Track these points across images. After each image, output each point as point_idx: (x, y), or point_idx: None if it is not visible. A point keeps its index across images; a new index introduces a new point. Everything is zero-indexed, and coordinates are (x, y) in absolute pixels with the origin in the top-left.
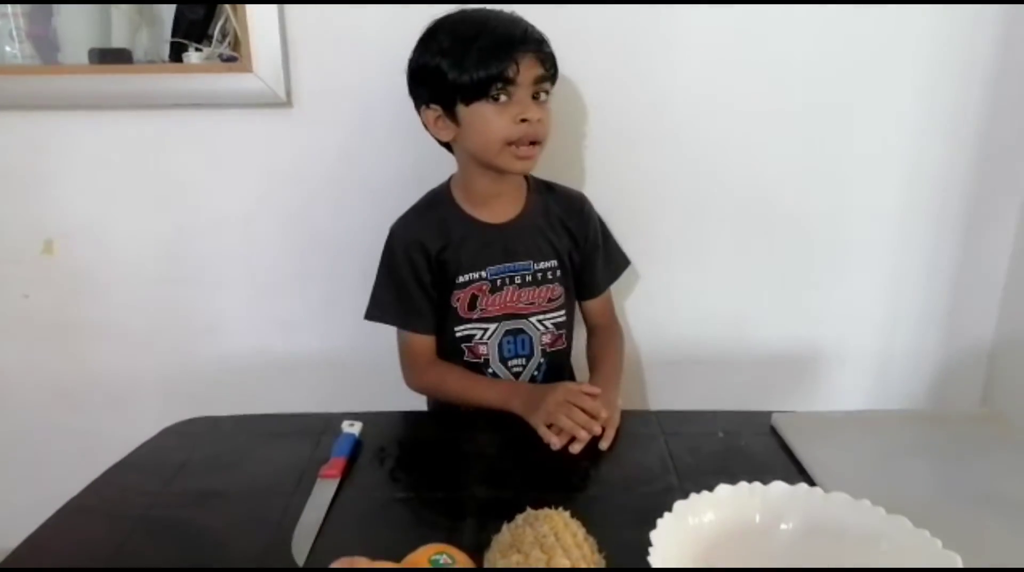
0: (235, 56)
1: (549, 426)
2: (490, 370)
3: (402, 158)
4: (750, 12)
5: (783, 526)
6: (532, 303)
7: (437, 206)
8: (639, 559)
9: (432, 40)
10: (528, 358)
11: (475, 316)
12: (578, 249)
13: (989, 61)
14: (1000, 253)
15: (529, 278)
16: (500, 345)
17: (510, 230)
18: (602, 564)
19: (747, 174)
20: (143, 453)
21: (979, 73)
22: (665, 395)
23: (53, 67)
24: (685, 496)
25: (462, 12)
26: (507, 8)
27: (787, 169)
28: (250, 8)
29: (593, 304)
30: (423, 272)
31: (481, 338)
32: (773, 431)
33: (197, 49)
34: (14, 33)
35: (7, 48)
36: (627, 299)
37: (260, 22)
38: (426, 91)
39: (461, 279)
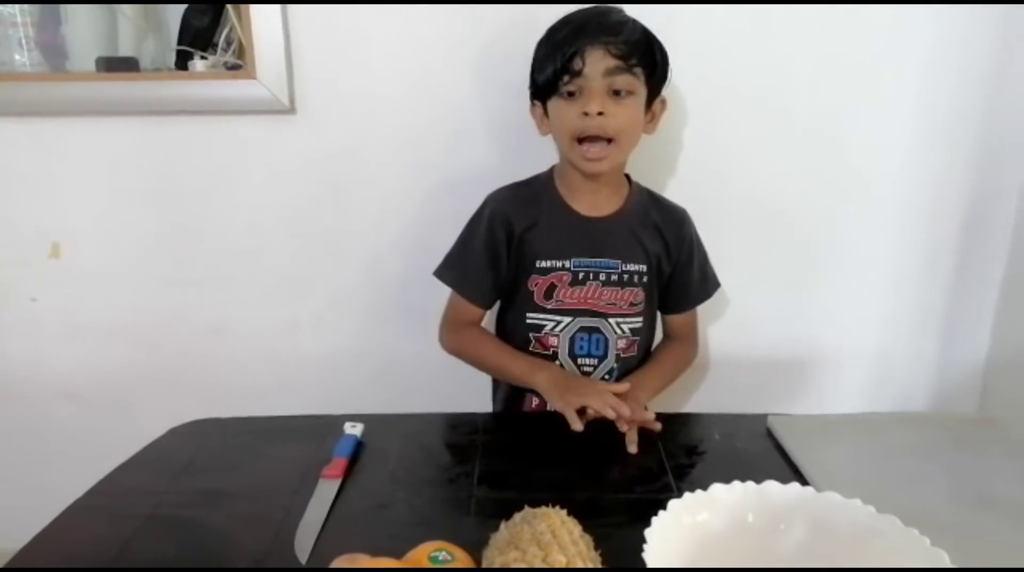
0: (240, 64)
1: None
2: (558, 363)
3: (405, 164)
4: (748, 14)
5: (776, 525)
6: (614, 304)
7: (535, 186)
8: (635, 557)
9: (539, 41)
10: (601, 360)
11: (550, 306)
12: (670, 259)
13: (987, 64)
14: (997, 257)
15: (615, 278)
16: (572, 340)
17: (603, 225)
18: (598, 561)
19: (745, 177)
20: (149, 453)
21: (977, 76)
22: (662, 397)
23: (61, 75)
24: (681, 496)
25: (574, 12)
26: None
27: (785, 172)
28: (255, 16)
29: (676, 318)
30: (500, 246)
31: (553, 330)
32: (769, 433)
33: (202, 57)
34: (23, 42)
35: (16, 56)
36: None
37: (264, 30)
38: (530, 88)
39: (542, 264)
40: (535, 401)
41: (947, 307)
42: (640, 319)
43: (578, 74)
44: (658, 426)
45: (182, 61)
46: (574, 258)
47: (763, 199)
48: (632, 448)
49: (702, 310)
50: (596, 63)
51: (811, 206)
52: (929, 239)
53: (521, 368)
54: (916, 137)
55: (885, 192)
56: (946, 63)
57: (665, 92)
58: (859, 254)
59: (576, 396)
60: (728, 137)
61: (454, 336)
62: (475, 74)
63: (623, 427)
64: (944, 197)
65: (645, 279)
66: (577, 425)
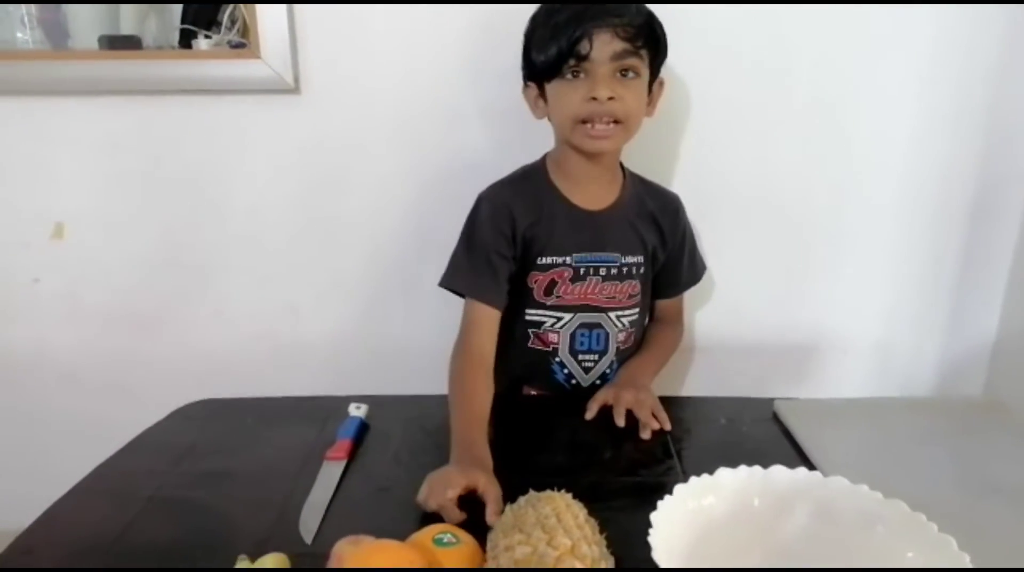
0: (243, 43)
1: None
2: (558, 360)
3: (409, 144)
4: (751, 5)
5: (781, 509)
6: (613, 298)
7: (531, 179)
8: (640, 541)
9: (532, 18)
10: (601, 354)
11: (550, 302)
12: (665, 247)
13: (992, 52)
14: (1005, 243)
15: (615, 271)
16: (573, 337)
17: (603, 218)
18: (603, 545)
19: (751, 164)
20: (152, 435)
21: (982, 63)
22: (668, 382)
23: (63, 53)
24: (686, 480)
25: None
26: None
27: (791, 159)
28: None
29: (665, 303)
30: (506, 242)
31: (553, 326)
32: (775, 417)
33: (206, 36)
34: (25, 19)
35: (18, 34)
36: None
37: (268, 9)
38: (524, 69)
39: (542, 261)
40: (532, 392)
41: (953, 292)
42: (637, 310)
43: (585, 58)
44: (668, 427)
45: (185, 40)
46: (575, 254)
47: (767, 186)
48: (645, 433)
49: (704, 297)
50: (604, 46)
51: (817, 193)
52: (935, 224)
53: (454, 435)
54: (922, 123)
55: (891, 178)
56: (951, 51)
57: (667, 79)
58: (865, 240)
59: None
60: (731, 125)
61: (459, 355)
62: (478, 59)
63: (646, 434)
64: (950, 183)
65: (642, 270)
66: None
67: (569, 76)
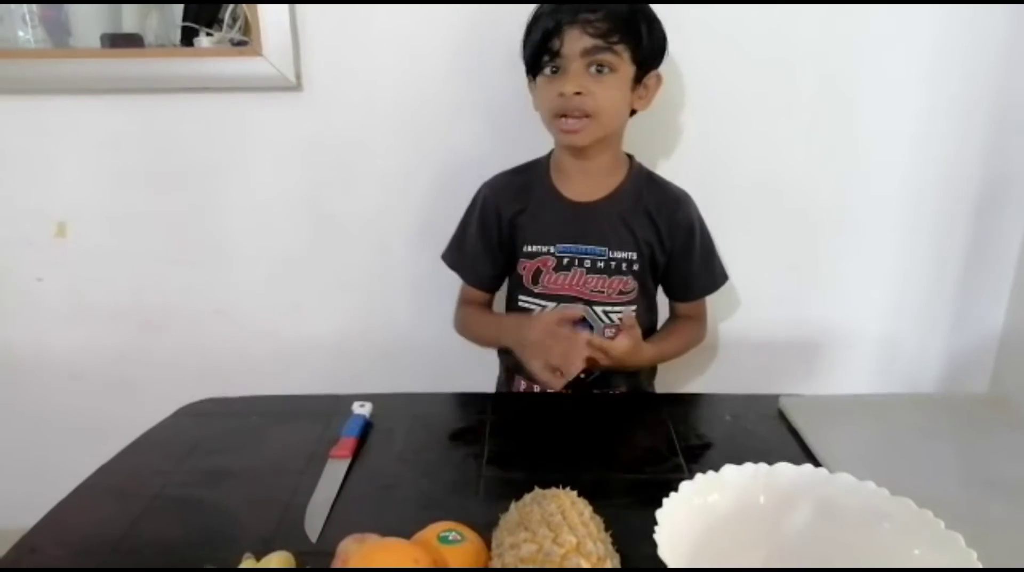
0: (245, 40)
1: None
2: None
3: (412, 141)
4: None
5: (787, 506)
6: (601, 292)
7: (528, 171)
8: (645, 538)
9: (531, 13)
10: None
11: (537, 290)
12: (663, 248)
13: (997, 48)
14: (1010, 238)
15: (601, 265)
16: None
17: (591, 211)
18: (608, 543)
19: (753, 159)
20: (156, 433)
21: (988, 58)
22: (672, 378)
23: (65, 51)
24: (691, 477)
25: None
26: None
27: (796, 155)
28: None
29: (682, 306)
30: (491, 231)
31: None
32: (780, 414)
33: (208, 33)
34: (27, 18)
35: (20, 33)
36: None
37: (270, 6)
38: (524, 63)
39: (528, 249)
40: (523, 384)
41: (958, 288)
42: (632, 309)
43: (557, 54)
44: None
45: (187, 37)
46: (559, 243)
47: (774, 181)
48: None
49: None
50: (573, 43)
51: (822, 188)
52: (941, 220)
53: (492, 334)
54: (927, 118)
55: (896, 174)
56: (956, 44)
57: (672, 73)
58: (870, 236)
59: (533, 350)
60: (736, 121)
61: (458, 317)
62: (480, 55)
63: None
64: (956, 179)
65: (636, 267)
66: (555, 385)
67: (548, 72)
